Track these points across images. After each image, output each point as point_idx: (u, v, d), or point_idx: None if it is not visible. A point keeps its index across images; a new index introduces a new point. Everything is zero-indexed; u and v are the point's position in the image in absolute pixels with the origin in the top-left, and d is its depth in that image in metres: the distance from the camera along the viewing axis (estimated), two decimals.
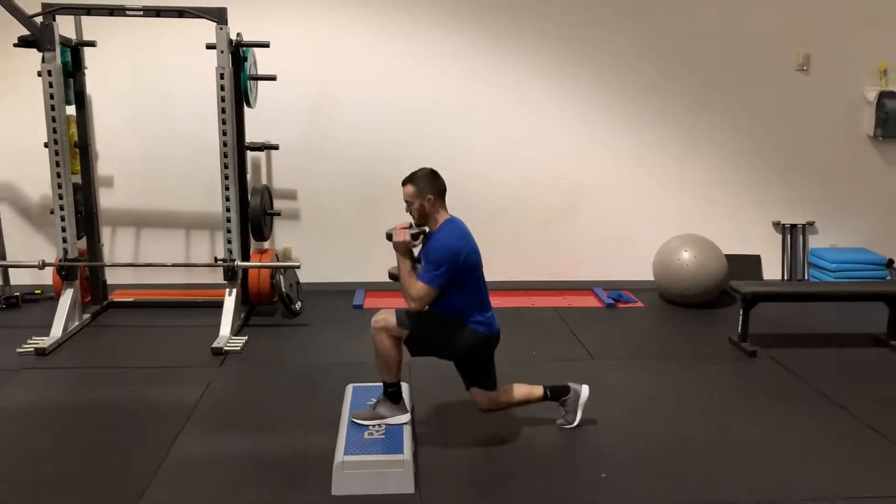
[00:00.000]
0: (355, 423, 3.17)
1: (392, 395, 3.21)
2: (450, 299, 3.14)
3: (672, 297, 5.45)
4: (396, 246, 3.12)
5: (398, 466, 2.86)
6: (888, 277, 5.81)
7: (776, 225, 5.95)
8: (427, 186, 3.13)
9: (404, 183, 3.17)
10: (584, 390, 3.41)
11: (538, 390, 3.38)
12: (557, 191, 5.73)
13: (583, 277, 5.85)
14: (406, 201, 3.17)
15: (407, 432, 3.10)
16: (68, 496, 2.84)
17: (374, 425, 3.14)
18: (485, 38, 5.49)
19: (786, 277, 5.94)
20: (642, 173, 5.77)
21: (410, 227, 3.16)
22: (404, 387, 3.36)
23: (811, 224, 5.96)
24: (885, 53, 5.71)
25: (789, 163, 5.83)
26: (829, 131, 5.80)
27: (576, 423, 3.39)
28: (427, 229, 3.20)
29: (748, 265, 5.88)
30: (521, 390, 3.36)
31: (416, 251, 3.21)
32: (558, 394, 3.40)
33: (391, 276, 3.25)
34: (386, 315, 3.13)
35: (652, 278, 5.60)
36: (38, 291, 5.34)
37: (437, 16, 5.44)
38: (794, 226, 5.94)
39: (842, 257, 5.76)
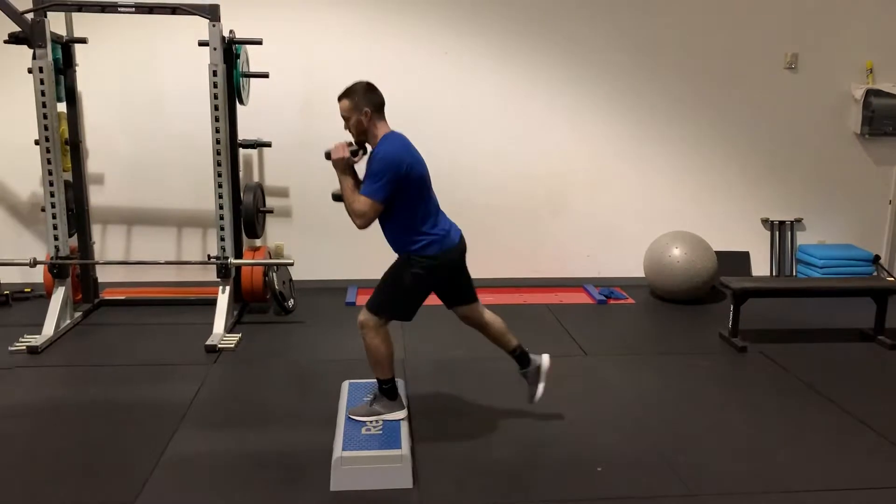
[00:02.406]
0: (352, 419, 3.18)
1: (387, 391, 3.21)
2: (395, 228, 3.06)
3: (663, 294, 5.49)
4: (335, 164, 3.02)
5: (396, 461, 2.88)
6: (875, 273, 5.89)
7: (765, 222, 6.01)
8: (363, 100, 2.99)
9: (339, 98, 3.03)
10: (545, 360, 3.37)
11: (514, 341, 3.35)
12: (548, 188, 5.75)
13: (574, 274, 5.88)
14: (343, 117, 3.04)
15: (404, 427, 3.12)
16: (64, 494, 2.83)
17: (371, 421, 3.16)
18: (477, 37, 5.50)
19: (774, 273, 6.00)
20: (633, 171, 5.80)
21: (350, 145, 3.06)
22: (399, 382, 3.37)
23: (799, 221, 6.03)
24: (871, 52, 5.78)
25: (778, 160, 5.89)
26: (817, 129, 5.87)
27: (538, 396, 3.35)
28: (368, 147, 3.09)
29: (737, 261, 5.94)
30: (501, 326, 3.33)
31: (359, 171, 3.09)
32: (521, 360, 3.36)
33: (334, 197, 3.12)
34: (362, 311, 3.13)
35: (643, 275, 5.65)
36: (29, 290, 5.30)
37: (429, 14, 5.45)
38: (782, 222, 6.00)
39: (829, 253, 5.82)
